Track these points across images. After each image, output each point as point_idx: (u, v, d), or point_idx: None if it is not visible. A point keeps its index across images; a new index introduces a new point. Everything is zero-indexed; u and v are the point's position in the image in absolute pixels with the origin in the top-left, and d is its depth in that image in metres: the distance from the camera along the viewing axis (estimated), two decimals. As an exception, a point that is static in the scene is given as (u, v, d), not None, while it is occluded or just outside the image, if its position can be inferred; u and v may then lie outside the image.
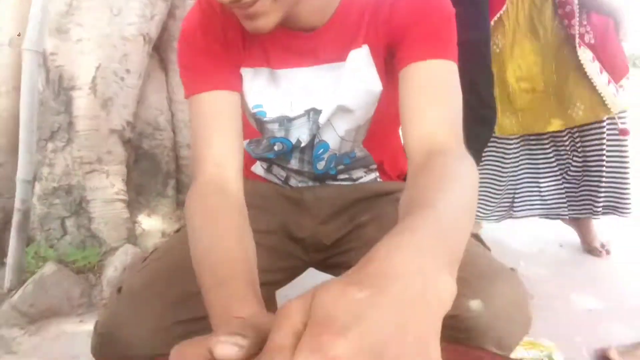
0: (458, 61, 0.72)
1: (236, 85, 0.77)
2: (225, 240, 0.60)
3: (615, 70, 1.79)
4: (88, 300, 1.49)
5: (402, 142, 0.66)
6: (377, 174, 0.94)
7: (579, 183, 1.95)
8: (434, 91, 0.65)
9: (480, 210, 2.10)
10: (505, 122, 1.89)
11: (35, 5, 1.36)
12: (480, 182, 2.05)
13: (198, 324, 0.68)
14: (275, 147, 0.86)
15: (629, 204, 1.87)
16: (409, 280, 0.30)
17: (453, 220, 0.43)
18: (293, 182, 0.93)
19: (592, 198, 1.91)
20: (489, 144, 1.99)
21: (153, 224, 1.95)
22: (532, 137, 1.99)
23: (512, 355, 0.71)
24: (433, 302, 0.30)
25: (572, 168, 1.96)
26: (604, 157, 1.87)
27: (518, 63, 1.83)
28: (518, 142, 2.02)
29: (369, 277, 0.30)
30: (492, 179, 2.06)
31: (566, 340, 1.34)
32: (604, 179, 1.88)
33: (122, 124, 1.82)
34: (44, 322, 1.39)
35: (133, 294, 0.72)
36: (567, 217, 2.03)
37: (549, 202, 2.04)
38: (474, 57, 1.46)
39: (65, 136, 1.67)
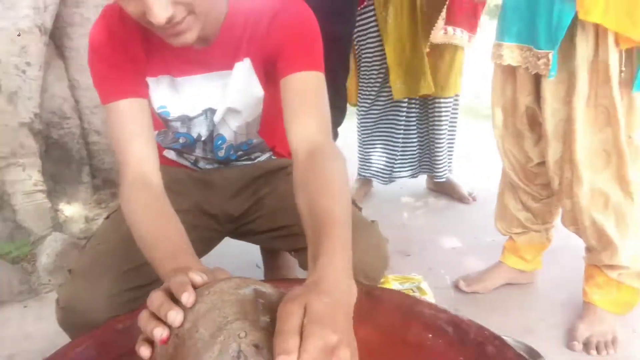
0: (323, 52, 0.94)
1: (143, 92, 0.92)
2: (159, 221, 0.79)
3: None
4: (28, 286, 1.61)
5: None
6: (271, 153, 1.17)
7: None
8: (309, 99, 0.86)
9: (380, 173, 2.42)
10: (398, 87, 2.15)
11: None
12: (377, 148, 2.37)
13: (142, 290, 0.88)
14: (180, 140, 1.04)
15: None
16: (344, 293, 0.56)
17: (347, 224, 0.67)
18: (201, 164, 1.13)
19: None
20: (386, 110, 2.29)
21: (75, 211, 2.04)
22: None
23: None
24: (352, 300, 0.56)
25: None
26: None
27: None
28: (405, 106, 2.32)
29: (326, 291, 0.52)
30: (387, 142, 2.37)
31: (434, 274, 1.70)
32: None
33: (29, 117, 1.87)
34: (-12, 311, 1.51)
35: (85, 271, 0.90)
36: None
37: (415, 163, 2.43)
38: (336, 49, 1.68)
39: (-25, 135, 1.72)
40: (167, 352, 0.49)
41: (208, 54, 0.92)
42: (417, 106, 2.31)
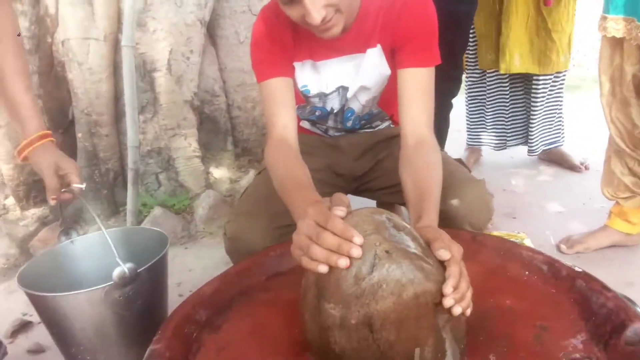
0: (445, 28, 1.12)
1: (290, 73, 1.18)
2: (293, 170, 1.02)
3: None
4: (187, 233, 1.99)
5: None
6: (390, 122, 1.37)
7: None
8: (422, 95, 1.07)
9: (493, 141, 2.51)
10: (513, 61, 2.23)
11: (126, 6, 1.78)
12: (489, 118, 2.46)
13: (289, 228, 1.14)
14: (317, 113, 1.29)
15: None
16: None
17: (438, 199, 0.91)
18: (331, 132, 1.36)
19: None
20: (493, 84, 2.38)
21: (221, 174, 2.42)
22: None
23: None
24: None
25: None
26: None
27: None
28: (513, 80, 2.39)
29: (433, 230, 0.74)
30: (499, 113, 2.46)
31: (538, 235, 1.79)
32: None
33: (191, 95, 2.26)
34: (159, 249, 1.91)
35: (246, 210, 1.19)
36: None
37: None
38: (458, 27, 1.81)
39: (152, 109, 2.13)
40: None
41: (344, 41, 1.13)
42: (520, 79, 2.36)
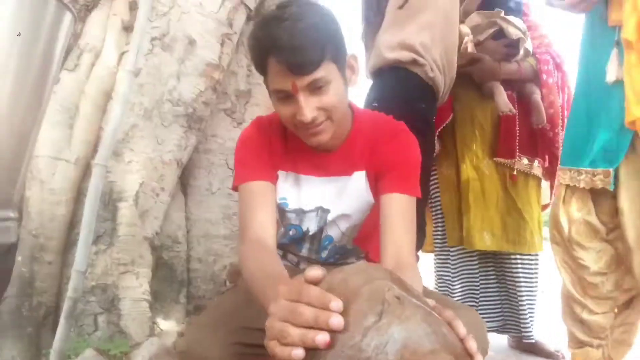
0: None
1: (274, 179, 1.12)
2: (269, 265, 0.90)
3: None
4: (119, 385, 1.64)
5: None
6: (364, 260, 1.27)
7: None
8: (404, 221, 1.03)
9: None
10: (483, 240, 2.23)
11: (108, 128, 1.74)
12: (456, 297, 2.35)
13: (251, 348, 0.95)
14: (290, 233, 1.18)
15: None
16: None
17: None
18: (302, 265, 1.24)
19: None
20: (460, 262, 2.33)
21: (169, 326, 2.13)
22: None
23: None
24: None
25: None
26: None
27: None
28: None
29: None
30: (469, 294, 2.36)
31: None
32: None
33: (152, 233, 2.11)
34: (82, 403, 1.53)
35: (203, 324, 1.01)
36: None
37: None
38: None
39: (108, 240, 1.95)
40: None
41: (330, 160, 1.13)
42: (491, 259, 2.32)
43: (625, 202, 1.37)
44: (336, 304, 0.52)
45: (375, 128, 1.14)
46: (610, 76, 1.32)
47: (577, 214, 1.48)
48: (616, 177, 1.37)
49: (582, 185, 1.45)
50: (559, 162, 1.72)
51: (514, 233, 2.19)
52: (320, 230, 1.17)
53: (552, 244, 1.58)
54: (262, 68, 1.00)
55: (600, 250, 1.48)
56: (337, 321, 0.51)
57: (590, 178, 1.42)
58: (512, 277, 2.26)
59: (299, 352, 0.52)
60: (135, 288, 1.98)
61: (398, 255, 0.97)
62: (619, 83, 1.31)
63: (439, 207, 2.36)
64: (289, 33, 0.91)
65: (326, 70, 0.96)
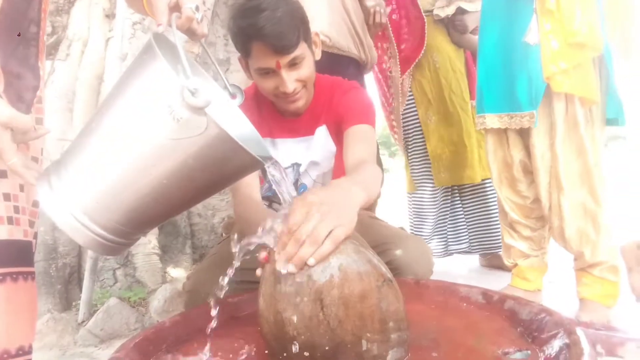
0: None
1: None
2: (256, 215, 1.14)
3: None
4: (141, 325, 1.95)
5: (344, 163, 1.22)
6: None
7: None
8: (362, 139, 1.24)
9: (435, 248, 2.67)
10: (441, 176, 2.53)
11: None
12: (427, 230, 2.64)
13: (249, 285, 1.21)
14: (272, 188, 1.43)
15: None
16: (342, 186, 0.84)
17: (370, 179, 0.99)
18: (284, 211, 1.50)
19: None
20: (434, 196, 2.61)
21: (178, 273, 2.43)
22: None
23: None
24: (353, 195, 0.82)
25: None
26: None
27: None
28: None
29: (326, 189, 0.82)
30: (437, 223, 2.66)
31: None
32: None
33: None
34: (111, 341, 1.85)
35: (204, 268, 1.29)
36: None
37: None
38: None
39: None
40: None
41: (299, 123, 1.36)
42: (457, 191, 2.63)
43: (536, 137, 1.67)
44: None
45: (332, 89, 1.37)
46: (533, 39, 1.54)
47: (517, 155, 1.76)
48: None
49: (513, 126, 1.70)
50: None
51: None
52: (296, 181, 1.41)
53: (494, 182, 1.86)
54: (245, 51, 1.21)
55: (531, 181, 1.75)
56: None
57: (519, 120, 1.66)
58: (479, 202, 2.55)
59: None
60: (146, 244, 2.26)
61: (359, 159, 1.16)
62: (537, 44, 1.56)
63: (417, 153, 2.62)
64: (270, 21, 1.12)
65: (301, 49, 1.19)
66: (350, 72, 2.01)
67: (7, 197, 0.91)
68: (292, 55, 1.18)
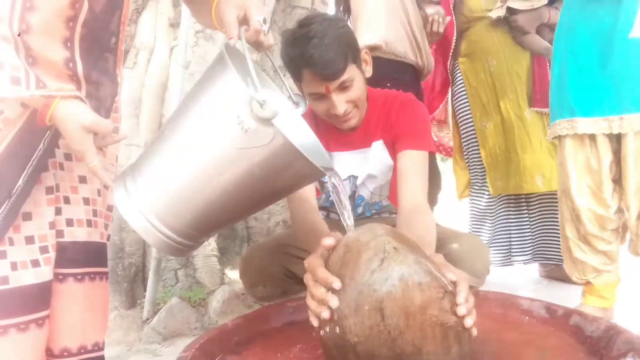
0: None
1: None
2: (311, 218, 1.19)
3: None
4: (201, 324, 2.02)
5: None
6: (396, 215, 1.52)
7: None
8: (417, 172, 1.24)
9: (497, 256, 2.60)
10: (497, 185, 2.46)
11: (167, 118, 2.04)
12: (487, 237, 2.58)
13: (293, 256, 1.32)
14: (330, 198, 1.45)
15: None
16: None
17: (432, 246, 1.00)
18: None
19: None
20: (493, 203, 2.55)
21: (236, 275, 2.49)
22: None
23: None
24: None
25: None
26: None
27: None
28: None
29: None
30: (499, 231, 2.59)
31: None
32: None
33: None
34: (173, 339, 1.93)
35: (257, 244, 1.47)
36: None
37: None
38: None
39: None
40: (339, 258, 0.80)
41: (354, 137, 1.39)
42: (524, 199, 2.53)
43: (632, 139, 1.52)
44: (337, 284, 0.72)
45: (386, 102, 1.38)
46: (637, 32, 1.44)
47: (607, 160, 1.59)
48: None
49: (622, 130, 1.53)
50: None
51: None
52: (353, 193, 1.43)
53: (576, 192, 1.66)
54: (297, 77, 1.25)
55: (614, 189, 1.63)
56: (334, 302, 0.71)
57: (629, 122, 1.51)
58: (546, 213, 2.46)
59: (315, 321, 0.76)
60: (205, 246, 2.34)
61: (412, 199, 1.18)
62: None
63: (474, 159, 2.57)
64: (318, 50, 1.15)
65: (350, 72, 1.21)
66: (407, 78, 2.00)
67: (86, 201, 0.98)
68: (340, 80, 1.20)
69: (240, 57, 0.77)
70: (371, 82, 1.38)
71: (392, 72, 1.92)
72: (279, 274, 1.36)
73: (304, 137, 0.95)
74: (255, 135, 0.69)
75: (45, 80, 0.76)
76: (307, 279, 0.79)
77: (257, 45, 0.87)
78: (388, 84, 1.93)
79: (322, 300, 0.73)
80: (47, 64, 0.78)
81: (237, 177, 0.74)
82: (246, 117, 0.69)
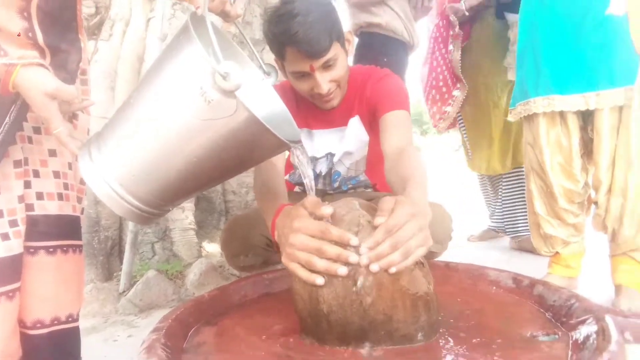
0: None
1: None
2: (272, 182, 1.12)
3: None
4: (178, 297, 2.04)
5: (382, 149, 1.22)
6: (372, 189, 1.54)
7: None
8: (398, 124, 1.24)
9: None
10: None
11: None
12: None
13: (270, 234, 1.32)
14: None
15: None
16: (422, 206, 0.80)
17: (424, 184, 0.95)
18: (320, 195, 1.53)
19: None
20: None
21: (213, 248, 2.51)
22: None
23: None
24: (427, 216, 0.80)
25: None
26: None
27: None
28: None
29: (411, 201, 0.77)
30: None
31: None
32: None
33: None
34: (149, 311, 1.94)
35: (239, 216, 1.45)
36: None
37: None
38: None
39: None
40: None
41: (334, 115, 1.39)
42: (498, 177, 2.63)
43: (604, 115, 1.52)
44: (355, 240, 0.70)
45: (364, 78, 1.37)
46: (619, 9, 1.44)
47: (576, 136, 1.62)
48: None
49: (595, 107, 1.53)
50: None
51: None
52: (330, 169, 1.44)
53: (549, 169, 1.69)
54: (280, 55, 1.23)
55: (583, 164, 1.68)
56: (355, 258, 0.69)
57: (607, 97, 1.50)
58: (516, 188, 2.54)
59: (321, 280, 0.71)
60: (183, 220, 2.34)
61: (398, 144, 1.16)
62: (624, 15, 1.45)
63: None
64: (303, 27, 1.12)
65: (334, 51, 1.20)
66: (400, 55, 2.07)
67: (56, 174, 0.97)
68: (325, 58, 1.19)
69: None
70: (369, 58, 1.39)
71: (389, 49, 1.98)
72: (260, 243, 1.37)
73: (272, 106, 0.95)
74: (218, 107, 0.69)
75: (7, 49, 0.74)
76: (303, 241, 0.74)
77: (223, 15, 0.86)
78: (385, 59, 1.97)
79: (338, 256, 0.71)
80: (7, 35, 0.77)
81: (201, 147, 0.73)
82: (209, 89, 0.68)
